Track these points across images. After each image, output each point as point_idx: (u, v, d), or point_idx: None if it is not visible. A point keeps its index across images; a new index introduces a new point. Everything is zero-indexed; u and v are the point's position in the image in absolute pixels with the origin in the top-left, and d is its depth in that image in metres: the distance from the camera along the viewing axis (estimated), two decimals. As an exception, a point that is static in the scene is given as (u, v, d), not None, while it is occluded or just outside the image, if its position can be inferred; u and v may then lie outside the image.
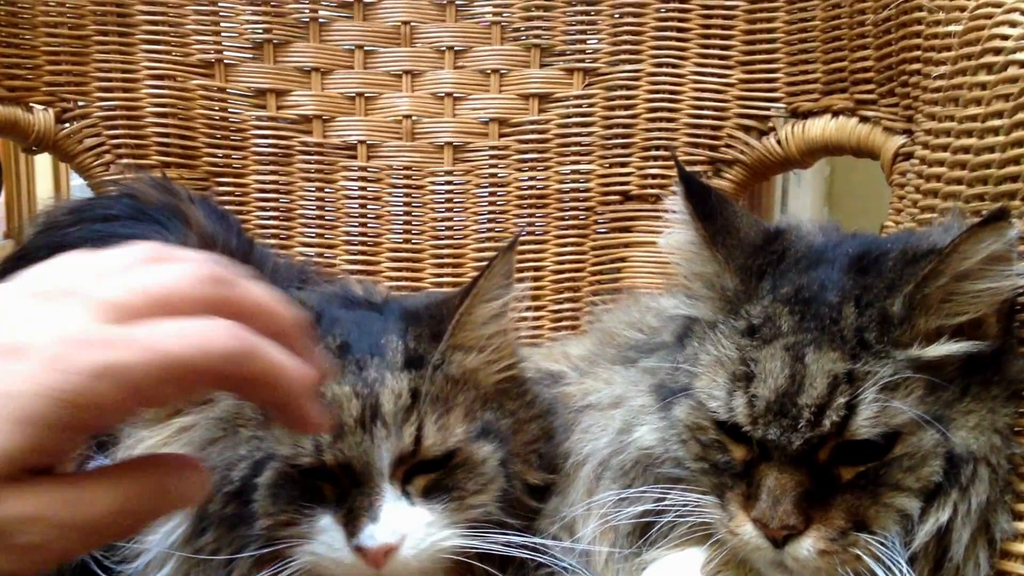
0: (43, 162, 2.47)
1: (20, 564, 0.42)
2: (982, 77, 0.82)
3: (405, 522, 0.72)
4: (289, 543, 0.73)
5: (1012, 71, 0.79)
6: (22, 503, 0.42)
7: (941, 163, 0.86)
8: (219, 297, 0.50)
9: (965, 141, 0.82)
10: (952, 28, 0.88)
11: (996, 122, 0.78)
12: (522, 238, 1.24)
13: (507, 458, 0.78)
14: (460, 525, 0.75)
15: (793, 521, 0.66)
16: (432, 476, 0.75)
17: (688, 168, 1.17)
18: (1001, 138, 0.78)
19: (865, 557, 0.66)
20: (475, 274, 1.21)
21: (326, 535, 0.73)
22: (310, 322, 0.74)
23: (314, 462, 0.73)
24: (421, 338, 0.78)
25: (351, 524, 0.72)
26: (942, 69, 0.89)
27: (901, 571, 0.65)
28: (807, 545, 0.66)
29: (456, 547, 0.74)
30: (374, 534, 0.71)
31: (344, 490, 0.73)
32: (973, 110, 0.82)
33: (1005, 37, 0.80)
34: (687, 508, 0.72)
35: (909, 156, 0.99)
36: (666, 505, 0.73)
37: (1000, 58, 0.80)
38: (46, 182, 2.57)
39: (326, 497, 0.74)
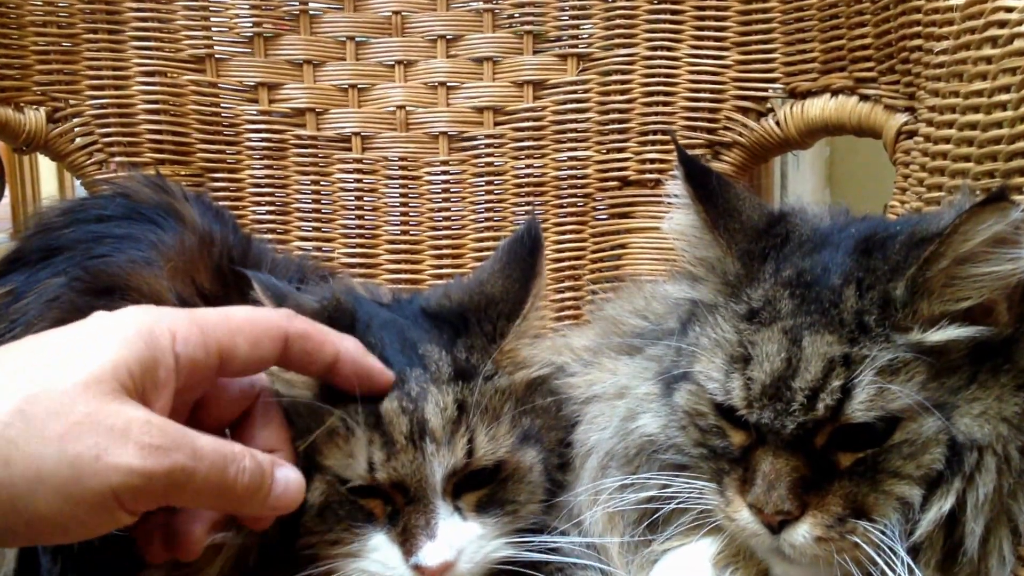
0: (47, 163, 2.46)
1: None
2: (987, 51, 0.80)
3: (460, 537, 0.72)
4: (337, 561, 0.72)
5: (1018, 44, 0.77)
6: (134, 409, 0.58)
7: (947, 140, 0.85)
8: None
9: (971, 117, 0.81)
10: (954, 1, 0.87)
11: (1003, 96, 0.77)
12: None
13: (546, 458, 0.78)
14: (509, 534, 0.75)
15: (788, 506, 0.65)
16: (484, 491, 0.74)
17: (686, 152, 1.16)
18: (1009, 113, 0.77)
19: (864, 544, 0.64)
20: (475, 264, 1.22)
21: (380, 553, 0.72)
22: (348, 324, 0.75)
23: (367, 481, 0.72)
24: (474, 349, 0.77)
25: (408, 542, 0.71)
26: (944, 44, 0.88)
27: (901, 560, 0.63)
28: (803, 531, 0.65)
29: (505, 557, 0.74)
30: (433, 552, 0.70)
31: (395, 507, 0.72)
32: (979, 85, 0.81)
33: (1009, 9, 0.79)
34: (690, 495, 0.71)
35: (912, 134, 0.98)
36: (670, 492, 0.72)
37: (1005, 31, 0.79)
38: (51, 183, 2.56)
39: (375, 515, 0.73)
